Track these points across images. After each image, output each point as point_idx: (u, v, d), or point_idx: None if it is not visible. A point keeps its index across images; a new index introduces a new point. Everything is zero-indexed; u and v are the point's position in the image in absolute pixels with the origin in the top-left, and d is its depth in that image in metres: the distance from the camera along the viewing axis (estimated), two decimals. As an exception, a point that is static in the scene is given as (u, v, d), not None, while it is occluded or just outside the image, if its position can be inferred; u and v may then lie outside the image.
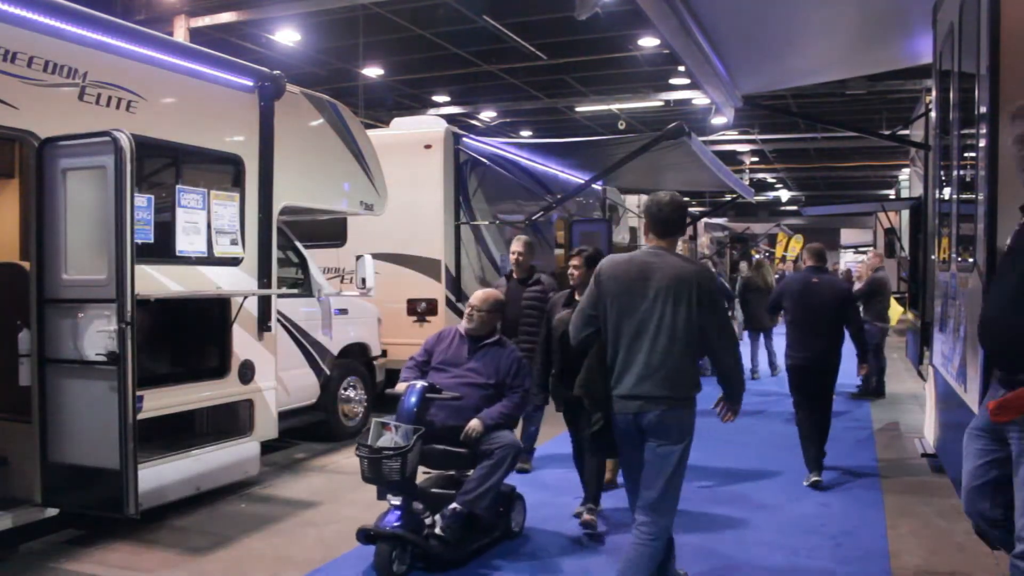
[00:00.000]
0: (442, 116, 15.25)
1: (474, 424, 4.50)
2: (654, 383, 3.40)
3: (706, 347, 3.52)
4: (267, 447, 6.22)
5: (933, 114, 6.99)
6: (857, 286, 10.90)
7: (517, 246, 6.51)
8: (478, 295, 4.92)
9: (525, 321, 6.19)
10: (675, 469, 3.42)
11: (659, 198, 3.64)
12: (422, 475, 4.65)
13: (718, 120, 18.72)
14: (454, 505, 4.35)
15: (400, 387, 4.61)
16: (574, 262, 5.21)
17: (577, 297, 4.98)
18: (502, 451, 4.45)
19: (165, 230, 5.10)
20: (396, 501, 4.26)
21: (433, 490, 4.64)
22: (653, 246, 3.59)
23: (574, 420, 5.14)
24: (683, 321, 3.41)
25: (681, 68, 14.49)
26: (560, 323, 4.82)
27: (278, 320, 6.16)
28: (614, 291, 3.52)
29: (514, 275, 6.56)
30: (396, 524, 4.19)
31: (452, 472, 4.77)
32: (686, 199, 26.51)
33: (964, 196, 5.06)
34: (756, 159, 28.54)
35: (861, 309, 10.34)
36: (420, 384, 4.53)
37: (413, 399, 4.43)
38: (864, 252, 19.87)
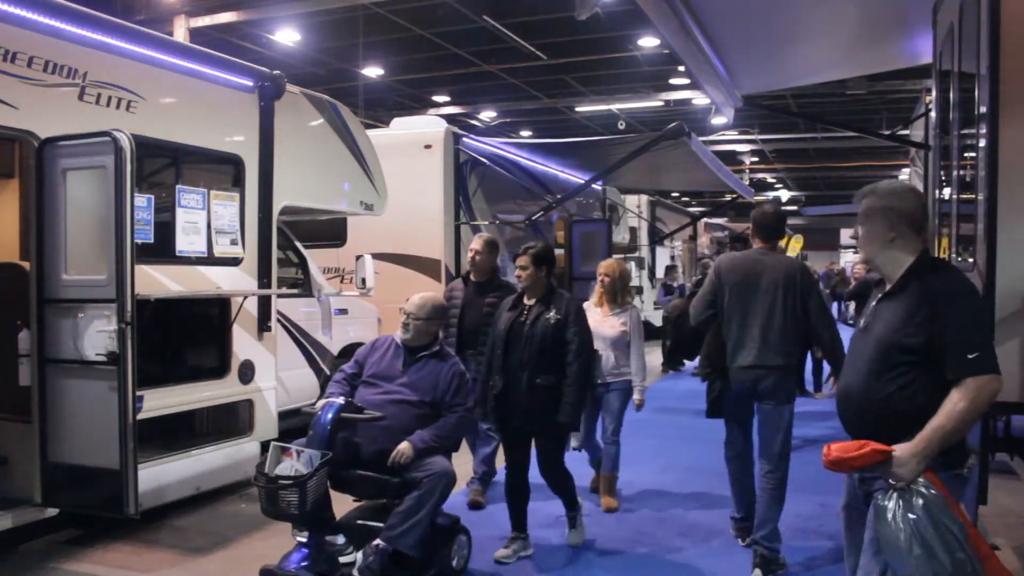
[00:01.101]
0: (442, 116, 15.26)
1: (402, 448, 3.94)
2: (771, 355, 4.25)
3: (809, 326, 4.30)
4: (267, 447, 6.21)
5: (933, 114, 6.99)
6: (851, 286, 10.92)
7: (475, 244, 5.69)
8: (414, 300, 4.34)
9: (486, 331, 5.04)
10: (788, 423, 4.34)
11: (765, 209, 4.60)
12: (352, 504, 4.27)
13: (718, 120, 18.72)
14: (377, 542, 3.86)
15: (320, 404, 4.04)
16: (521, 262, 4.49)
17: (527, 301, 4.51)
18: (431, 480, 3.89)
19: (165, 230, 5.10)
20: (302, 537, 3.80)
21: (360, 522, 4.12)
22: (760, 247, 4.48)
23: (514, 445, 4.53)
24: (791, 305, 4.26)
25: (681, 68, 14.49)
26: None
27: (278, 320, 6.16)
28: (732, 281, 4.37)
29: (472, 277, 5.70)
30: (302, 564, 3.70)
31: (384, 501, 4.18)
32: (685, 199, 26.41)
33: (964, 196, 5.06)
34: (756, 159, 28.56)
35: (852, 309, 10.39)
36: (337, 401, 3.99)
37: (327, 419, 3.89)
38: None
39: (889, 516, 2.38)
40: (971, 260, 4.53)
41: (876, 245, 2.66)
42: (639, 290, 17.51)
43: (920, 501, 2.35)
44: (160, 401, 5.07)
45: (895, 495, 2.40)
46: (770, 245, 4.47)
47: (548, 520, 5.08)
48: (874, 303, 2.69)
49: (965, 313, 2.46)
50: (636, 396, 5.43)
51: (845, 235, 35.40)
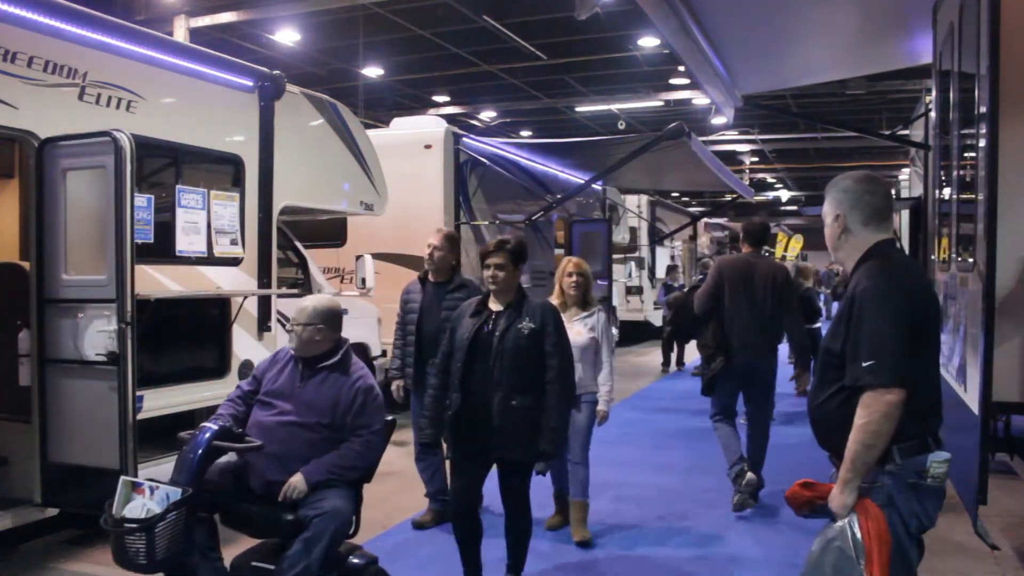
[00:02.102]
0: (442, 116, 15.26)
1: (293, 481, 3.41)
2: (764, 338, 5.47)
3: (784, 318, 5.54)
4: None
5: (933, 114, 6.99)
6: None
7: (434, 239, 5.07)
8: (302, 304, 3.71)
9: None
10: (773, 386, 5.66)
11: (754, 222, 5.98)
12: (247, 544, 3.72)
13: (718, 120, 18.73)
14: None
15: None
16: (496, 259, 3.83)
17: (493, 306, 3.86)
18: (320, 523, 3.30)
19: (165, 230, 5.09)
20: None
21: (255, 564, 3.50)
22: (750, 251, 5.73)
23: (469, 473, 3.85)
24: (776, 297, 5.46)
25: (681, 68, 14.50)
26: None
27: (278, 320, 6.16)
28: (731, 278, 5.52)
29: (430, 277, 5.12)
30: None
31: (279, 540, 3.53)
32: (685, 199, 26.44)
33: (964, 196, 5.06)
34: (756, 159, 28.56)
35: None
36: (210, 427, 3.42)
37: (196, 448, 3.35)
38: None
39: (812, 546, 2.39)
40: (971, 260, 4.53)
41: (832, 242, 2.59)
42: (639, 290, 17.52)
43: (835, 540, 2.30)
44: (160, 401, 5.07)
45: (827, 528, 2.36)
46: (758, 250, 5.81)
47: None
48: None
49: (869, 317, 2.31)
50: (601, 406, 4.78)
51: (845, 235, 35.39)
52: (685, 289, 10.95)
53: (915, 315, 2.34)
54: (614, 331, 14.57)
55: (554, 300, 4.72)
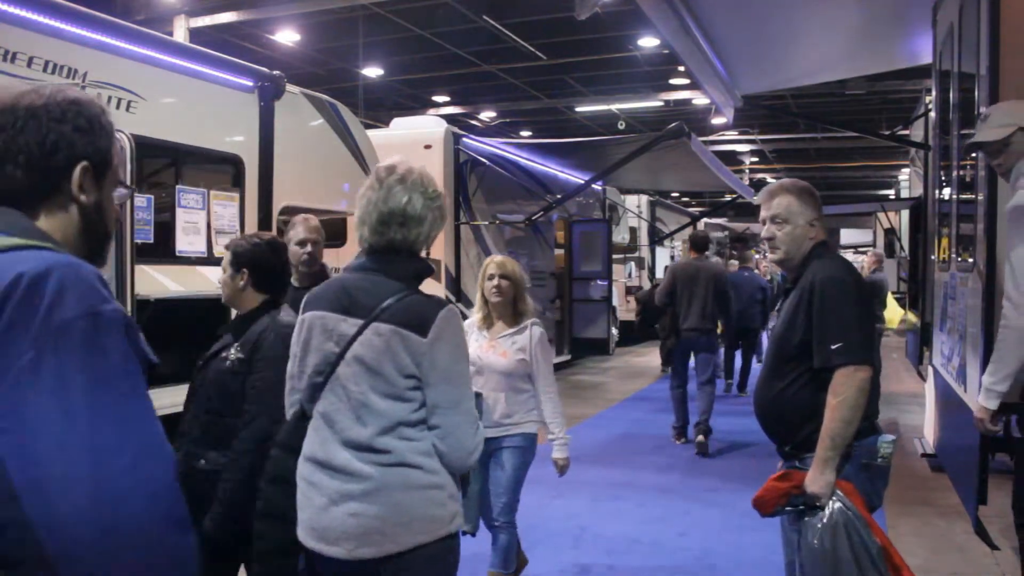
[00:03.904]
0: (442, 116, 15.27)
1: None
2: (704, 322, 7.40)
3: (719, 306, 7.55)
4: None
5: (933, 114, 6.99)
6: None
7: (303, 230, 3.99)
8: None
9: None
10: (712, 360, 7.64)
11: (698, 233, 8.27)
12: None
13: (718, 120, 18.72)
14: None
15: None
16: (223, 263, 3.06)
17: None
18: None
19: (165, 230, 5.10)
20: None
21: None
22: (695, 256, 7.70)
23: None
24: (713, 293, 7.40)
25: (681, 68, 14.49)
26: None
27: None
28: (681, 277, 7.49)
29: (295, 282, 3.82)
30: None
31: None
32: (685, 199, 26.47)
33: (964, 196, 5.06)
34: (756, 159, 28.56)
35: None
36: None
37: None
38: (864, 252, 19.88)
39: (810, 538, 2.38)
40: (971, 260, 4.53)
41: (798, 244, 2.61)
42: (639, 290, 17.54)
43: (838, 520, 2.34)
44: (160, 401, 5.04)
45: (813, 517, 2.38)
46: (701, 255, 7.70)
47: None
48: (780, 301, 2.76)
49: (830, 303, 2.43)
50: (556, 454, 3.73)
51: (845, 235, 35.42)
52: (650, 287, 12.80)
53: (864, 304, 2.55)
54: (613, 331, 14.62)
55: (476, 313, 3.78)
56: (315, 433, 2.04)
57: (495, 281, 3.65)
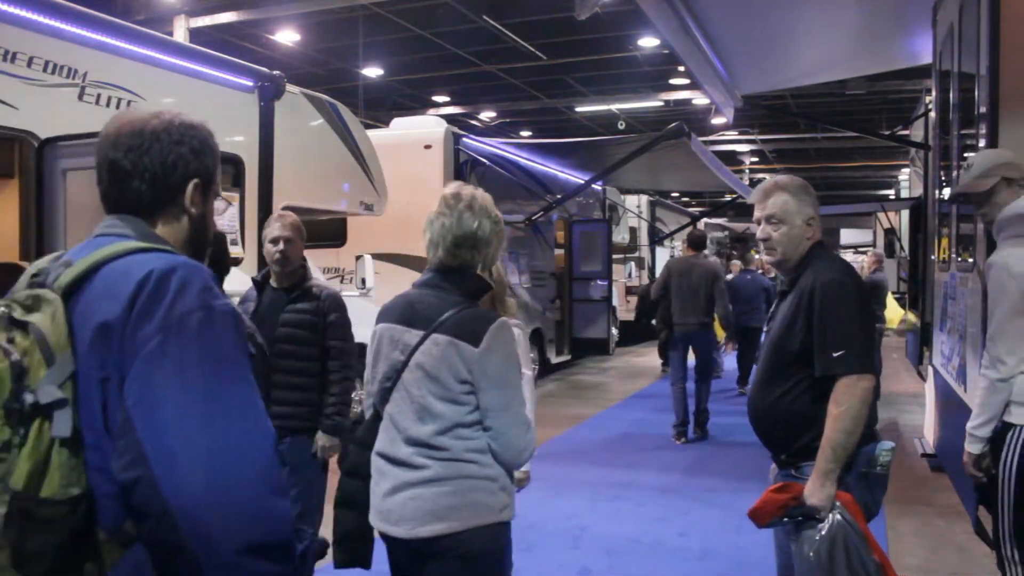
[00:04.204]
0: (442, 116, 15.26)
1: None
2: (697, 316, 7.67)
3: (715, 302, 7.77)
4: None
5: (933, 114, 6.99)
6: None
7: (279, 227, 3.76)
8: None
9: (285, 358, 3.60)
10: (710, 350, 8.10)
11: (695, 233, 8.44)
12: None
13: (718, 120, 18.73)
14: None
15: None
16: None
17: None
18: None
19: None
20: None
21: None
22: (692, 254, 8.00)
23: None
24: (708, 288, 7.66)
25: (681, 68, 14.50)
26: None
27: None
28: (677, 274, 7.79)
29: (271, 281, 3.79)
30: None
31: None
32: (685, 199, 26.42)
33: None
34: (756, 159, 28.57)
35: None
36: None
37: None
38: (864, 252, 19.88)
39: (807, 551, 2.30)
40: (971, 260, 4.53)
41: (795, 244, 2.49)
42: (639, 290, 17.53)
43: (837, 534, 2.26)
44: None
45: (811, 529, 2.30)
46: (697, 253, 8.00)
47: None
48: (775, 304, 2.60)
49: (832, 308, 2.34)
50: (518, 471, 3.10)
51: (845, 235, 35.44)
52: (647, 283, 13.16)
53: (865, 308, 2.47)
54: (614, 331, 14.63)
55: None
56: (384, 432, 2.31)
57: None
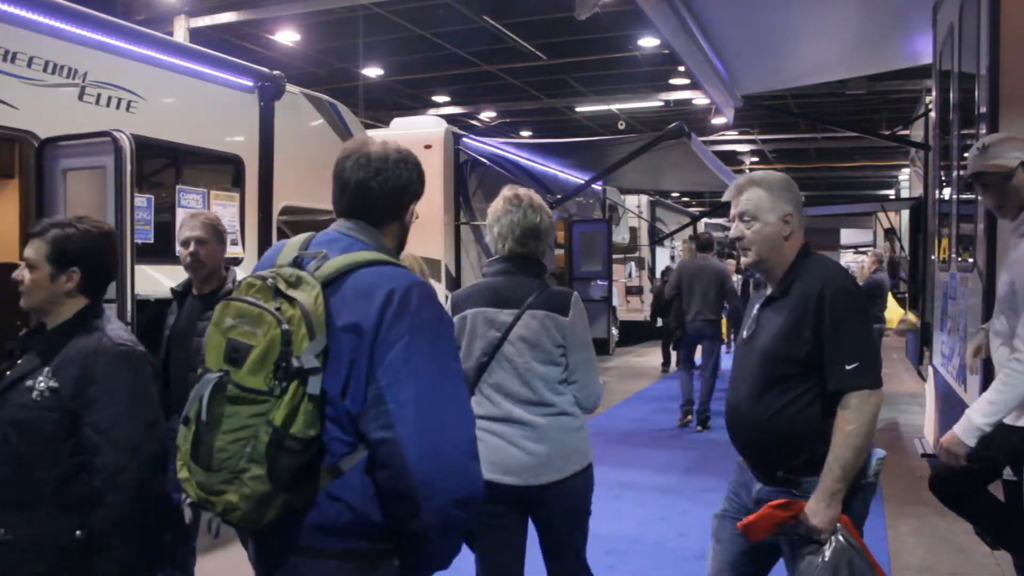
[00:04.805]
0: (442, 116, 15.26)
1: None
2: (709, 313, 8.19)
3: (725, 300, 8.38)
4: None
5: (933, 114, 6.99)
6: None
7: (193, 227, 3.40)
8: None
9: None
10: (718, 350, 8.46)
11: (703, 236, 9.00)
12: None
13: (718, 120, 18.72)
14: None
15: None
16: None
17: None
18: None
19: (165, 230, 5.10)
20: None
21: None
22: (702, 255, 8.48)
23: None
24: (718, 287, 8.20)
25: (681, 68, 14.49)
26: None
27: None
28: (688, 274, 8.34)
29: (194, 289, 3.44)
30: None
31: None
32: (685, 199, 26.40)
33: (964, 196, 5.06)
34: (756, 159, 28.57)
35: None
36: None
37: None
38: (864, 252, 19.88)
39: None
40: (971, 260, 4.53)
41: (770, 243, 2.35)
42: (639, 290, 17.52)
43: (840, 560, 2.15)
44: (160, 401, 5.07)
45: (813, 554, 2.19)
46: (707, 254, 8.56)
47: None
48: (755, 309, 2.44)
49: (845, 319, 2.22)
50: None
51: (845, 235, 35.44)
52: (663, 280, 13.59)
53: (870, 317, 2.45)
54: (614, 331, 14.62)
55: None
56: (488, 400, 2.67)
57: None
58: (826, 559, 2.16)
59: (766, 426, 2.31)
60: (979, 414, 2.70)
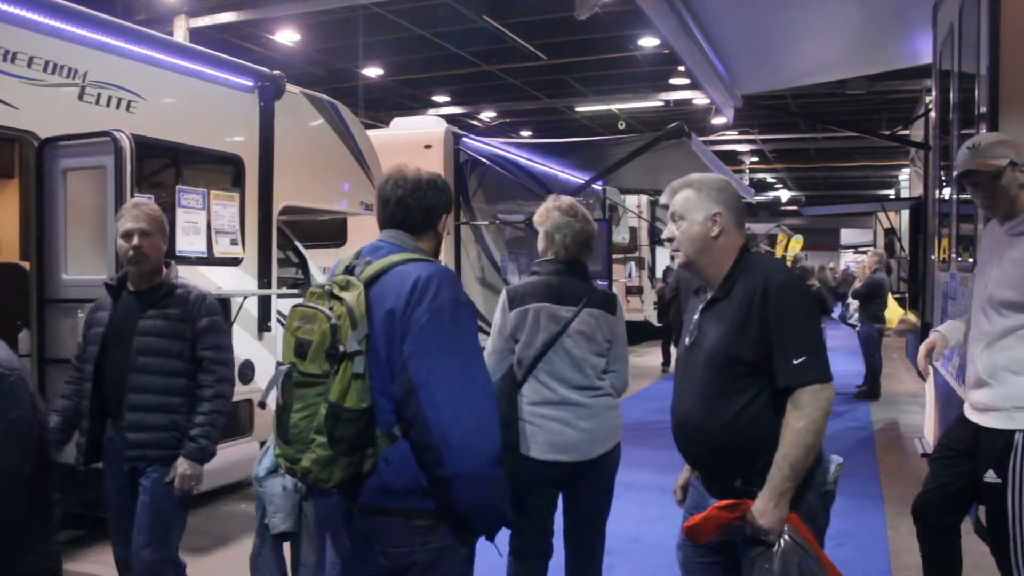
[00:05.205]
0: (442, 116, 15.25)
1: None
2: None
3: None
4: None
5: (933, 114, 6.99)
6: (856, 286, 10.95)
7: (130, 218, 3.12)
8: None
9: (144, 374, 3.07)
10: None
11: None
12: None
13: (718, 120, 18.72)
14: None
15: None
16: None
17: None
18: None
19: (165, 230, 5.09)
20: None
21: None
22: None
23: None
24: None
25: (681, 68, 14.49)
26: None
27: (278, 320, 6.16)
28: (685, 276, 8.48)
29: (130, 285, 3.22)
30: None
31: None
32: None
33: (964, 196, 5.06)
34: (756, 159, 28.55)
35: (854, 308, 10.44)
36: None
37: None
38: (864, 252, 19.88)
39: None
40: (971, 260, 4.53)
41: (699, 244, 2.30)
42: (639, 290, 17.51)
43: (791, 561, 2.07)
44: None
45: (760, 556, 2.12)
46: None
47: None
48: (696, 313, 2.38)
49: (790, 312, 2.15)
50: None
51: (845, 235, 35.46)
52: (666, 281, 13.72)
53: (817, 314, 2.40)
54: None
55: None
56: (544, 386, 3.06)
57: None
58: (775, 561, 2.08)
59: (721, 434, 2.22)
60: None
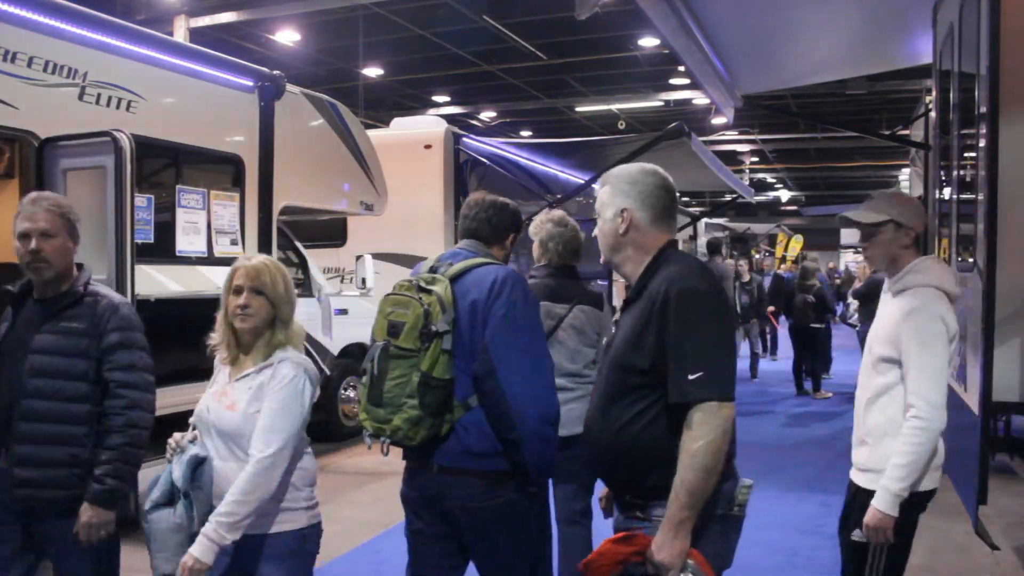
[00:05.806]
0: (442, 116, 15.25)
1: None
2: None
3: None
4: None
5: (933, 114, 6.99)
6: (856, 286, 10.95)
7: (35, 216, 2.57)
8: None
9: (38, 399, 2.56)
10: None
11: (712, 238, 10.85)
12: None
13: (718, 120, 18.72)
14: None
15: None
16: None
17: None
18: None
19: (165, 230, 5.10)
20: None
21: None
22: (709, 259, 9.18)
23: None
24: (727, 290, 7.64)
25: (681, 68, 14.49)
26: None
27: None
28: None
29: (35, 292, 2.69)
30: None
31: None
32: (685, 199, 26.35)
33: (964, 196, 5.06)
34: (756, 159, 28.56)
35: (854, 309, 10.44)
36: None
37: None
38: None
39: None
40: (971, 260, 4.53)
41: (609, 241, 2.20)
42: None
43: None
44: (160, 401, 5.03)
45: None
46: (712, 258, 9.60)
47: None
48: (619, 313, 2.30)
49: (688, 323, 1.96)
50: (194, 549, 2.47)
51: (845, 235, 35.44)
52: None
53: (727, 322, 2.15)
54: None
55: (218, 341, 2.53)
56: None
57: (243, 297, 2.44)
58: None
59: (611, 443, 2.08)
60: (894, 480, 2.58)
